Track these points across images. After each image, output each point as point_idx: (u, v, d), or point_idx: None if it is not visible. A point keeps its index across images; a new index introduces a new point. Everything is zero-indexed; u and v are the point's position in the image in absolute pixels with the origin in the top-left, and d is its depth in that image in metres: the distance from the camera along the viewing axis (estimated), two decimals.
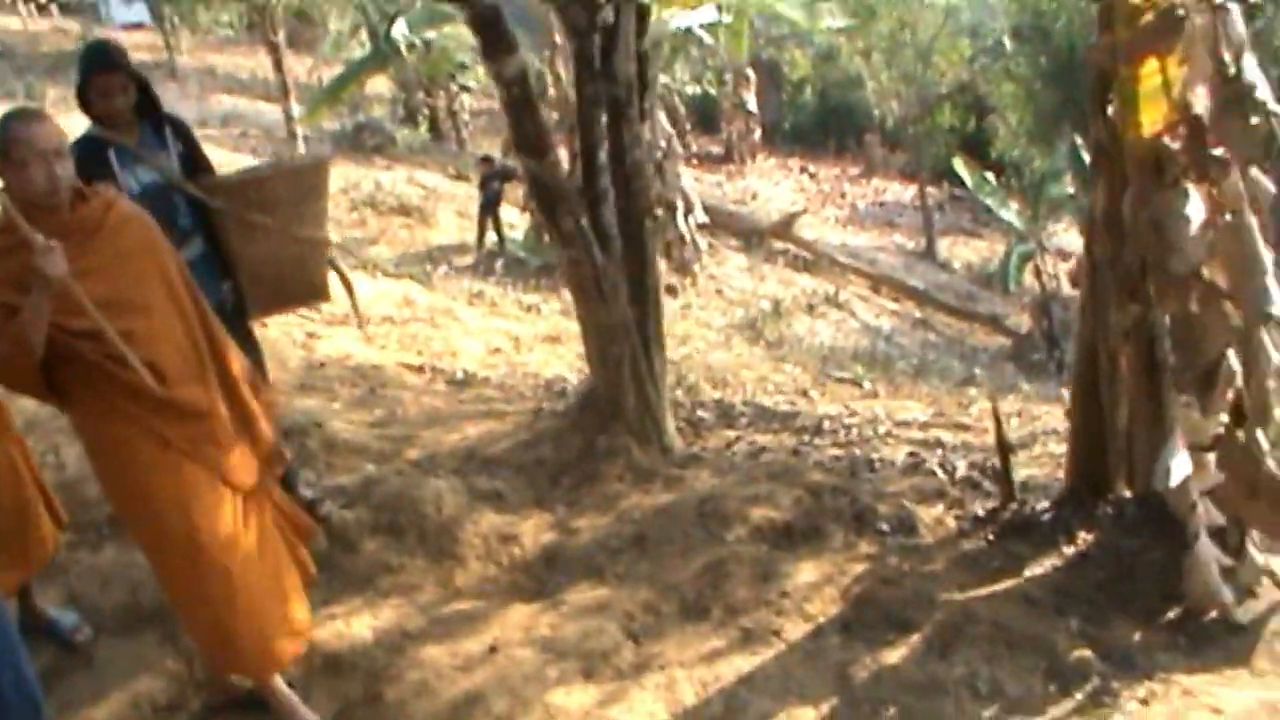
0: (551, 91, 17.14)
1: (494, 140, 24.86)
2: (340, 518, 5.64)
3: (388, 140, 23.36)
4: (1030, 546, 5.62)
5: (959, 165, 24.36)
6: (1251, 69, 4.67)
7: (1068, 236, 22.20)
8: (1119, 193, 5.17)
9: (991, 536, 5.77)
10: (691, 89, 33.82)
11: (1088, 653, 4.77)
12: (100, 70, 4.72)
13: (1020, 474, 6.74)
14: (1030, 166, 23.83)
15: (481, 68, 25.90)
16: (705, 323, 16.58)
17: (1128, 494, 5.77)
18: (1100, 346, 5.67)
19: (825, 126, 35.17)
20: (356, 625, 4.91)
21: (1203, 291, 4.87)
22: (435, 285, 13.93)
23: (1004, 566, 5.46)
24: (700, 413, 8.08)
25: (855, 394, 11.28)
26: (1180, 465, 4.84)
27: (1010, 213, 22.47)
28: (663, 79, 31.40)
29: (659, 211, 18.53)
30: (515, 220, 19.43)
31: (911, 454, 7.43)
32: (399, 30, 14.35)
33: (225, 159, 19.72)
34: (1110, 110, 5.05)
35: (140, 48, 31.11)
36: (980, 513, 6.06)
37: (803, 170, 33.00)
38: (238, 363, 4.24)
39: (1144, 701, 4.39)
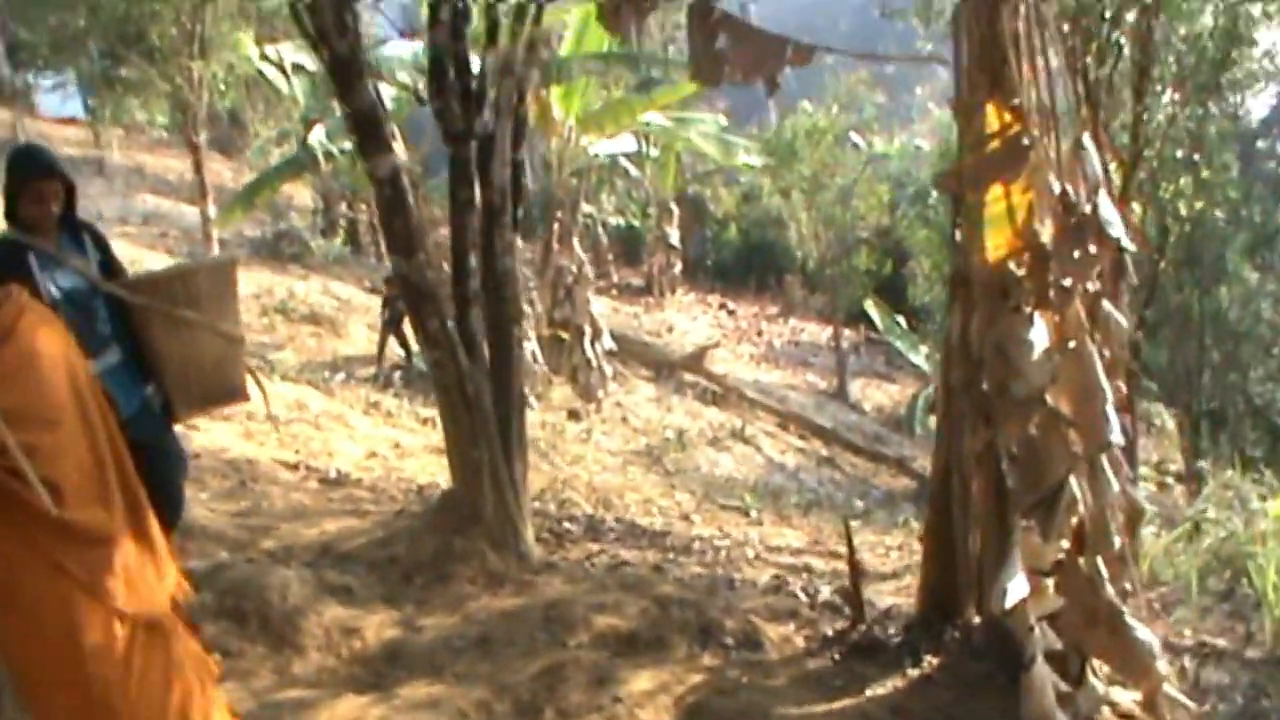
0: None
1: None
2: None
3: (306, 249, 23.30)
4: (876, 668, 5.62)
5: (871, 308, 24.74)
6: (1105, 204, 4.80)
7: None
8: (971, 318, 5.26)
9: (838, 656, 5.77)
10: (616, 220, 34.25)
11: None
12: (38, 176, 4.63)
13: (886, 601, 6.76)
14: (942, 312, 24.19)
15: None
16: (605, 448, 16.52)
17: (977, 619, 5.78)
18: (954, 471, 5.72)
19: (747, 264, 35.54)
20: None
21: (1044, 417, 4.93)
22: (334, 392, 13.82)
23: (846, 685, 5.45)
24: (568, 525, 8.04)
25: (740, 521, 11.27)
26: (1017, 588, 4.84)
27: (920, 357, 22.74)
28: (586, 208, 31.78)
29: (564, 335, 18.74)
30: None
31: (776, 577, 7.43)
32: (316, 137, 14.40)
33: (138, 256, 19.68)
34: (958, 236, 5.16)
35: (70, 142, 31.07)
36: (830, 633, 6.04)
37: (721, 306, 33.26)
38: (139, 486, 3.97)
39: None
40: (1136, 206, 12.26)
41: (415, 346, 18.81)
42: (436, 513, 7.04)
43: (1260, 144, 25.85)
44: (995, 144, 4.74)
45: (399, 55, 16.02)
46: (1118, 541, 4.98)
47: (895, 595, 7.36)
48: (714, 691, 5.26)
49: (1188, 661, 5.90)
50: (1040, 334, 4.90)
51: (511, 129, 6.65)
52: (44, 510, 3.46)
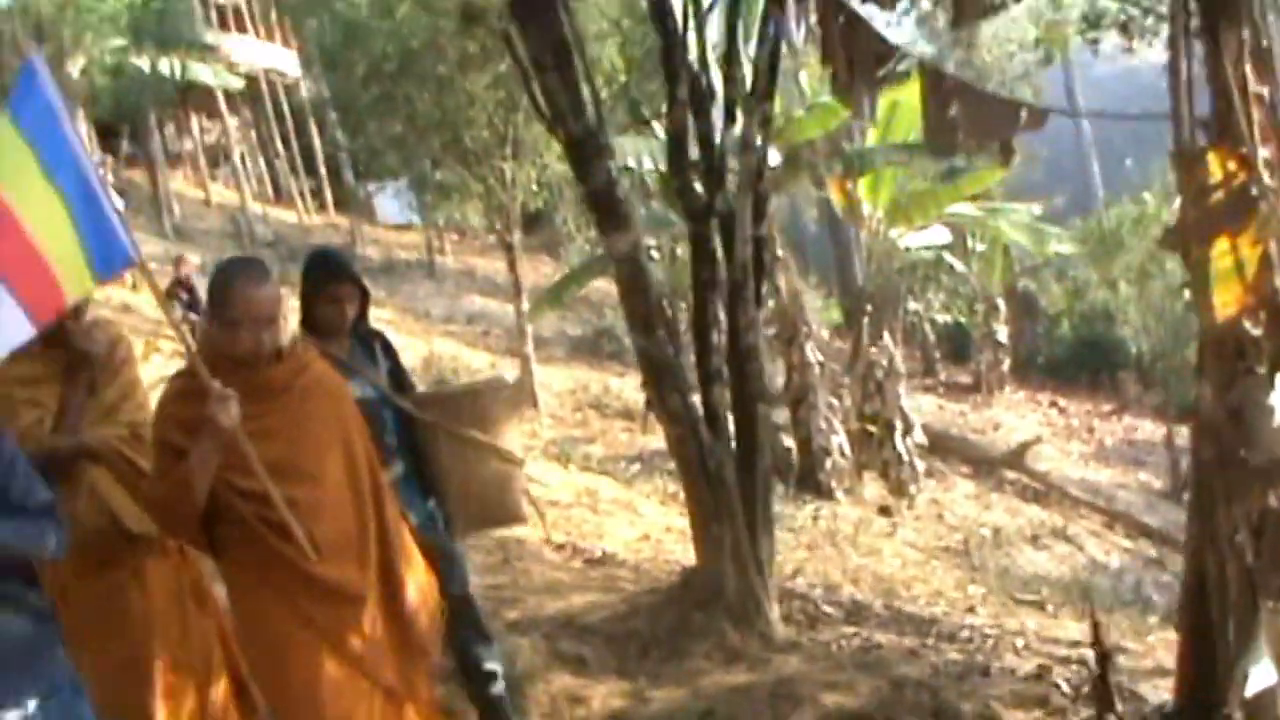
0: None
1: None
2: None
3: (624, 347, 23.91)
4: None
5: None
6: None
7: None
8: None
9: None
10: (943, 317, 33.75)
11: None
12: (333, 279, 4.67)
13: (1161, 696, 6.34)
14: None
15: None
16: (909, 543, 16.15)
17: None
18: (1208, 552, 5.35)
19: (1080, 360, 34.30)
20: None
21: None
22: (631, 483, 14.04)
23: None
24: (827, 608, 7.87)
25: (1032, 615, 10.77)
26: (1262, 676, 4.50)
27: None
28: (912, 305, 31.55)
29: (872, 429, 18.47)
30: None
31: (1041, 667, 7.05)
32: None
33: (460, 353, 20.64)
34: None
35: (405, 246, 33.01)
36: None
37: (1052, 404, 32.16)
38: (405, 554, 4.04)
39: None
40: None
41: None
42: (680, 588, 7.06)
43: None
44: (1219, 195, 4.48)
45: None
46: None
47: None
48: None
49: None
50: None
51: (752, 205, 6.68)
52: (300, 563, 3.61)
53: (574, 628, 6.80)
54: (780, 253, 17.05)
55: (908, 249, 20.25)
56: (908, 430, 19.10)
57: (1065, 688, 6.53)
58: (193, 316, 14.82)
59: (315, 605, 3.70)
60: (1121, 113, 9.51)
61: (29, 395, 3.99)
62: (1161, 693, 6.49)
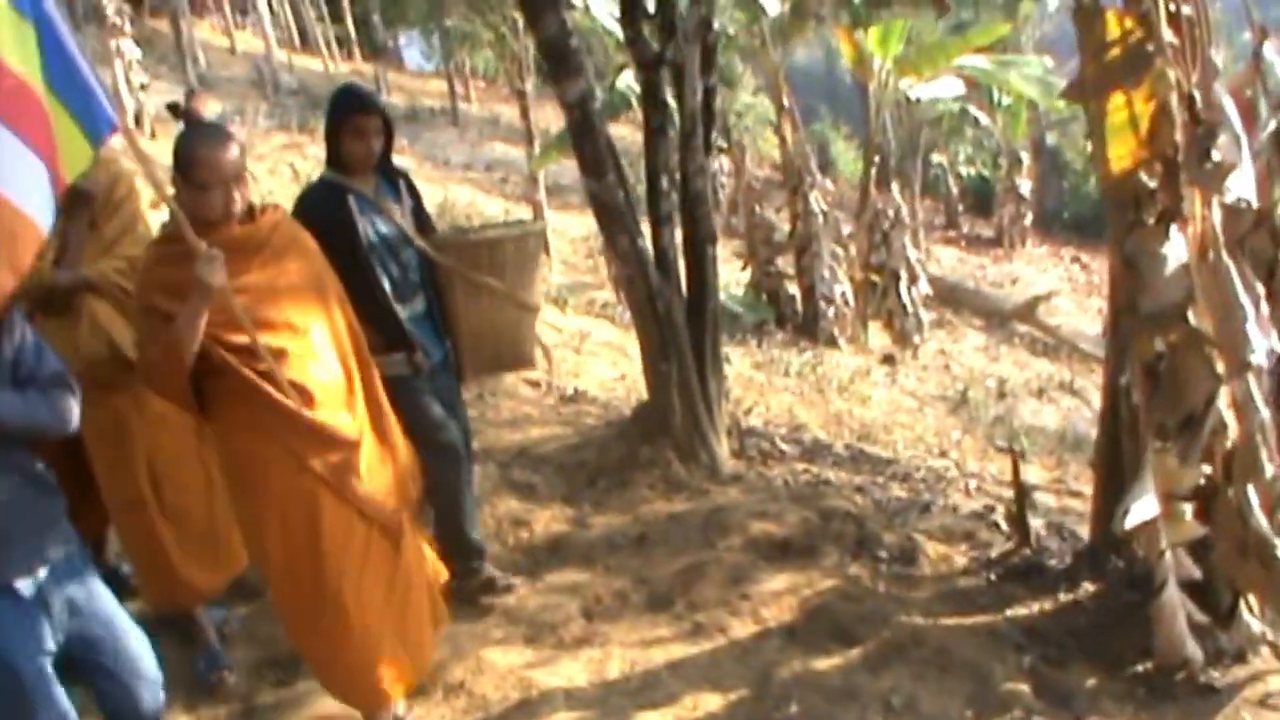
0: None
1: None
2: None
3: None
4: (1028, 590, 5.56)
5: None
6: (1228, 106, 4.62)
7: None
8: None
9: (993, 577, 5.74)
10: (968, 170, 33.56)
11: (1023, 687, 4.75)
12: (359, 111, 4.73)
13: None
14: None
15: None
16: (910, 391, 16.34)
17: None
18: (1120, 395, 5.57)
19: (1104, 217, 33.98)
20: None
21: (1183, 335, 4.78)
22: (628, 327, 14.21)
23: (987, 604, 5.43)
24: (783, 445, 8.13)
25: (1005, 461, 10.99)
26: (1143, 509, 4.73)
27: None
28: (936, 158, 31.34)
29: (877, 279, 18.57)
30: (739, 276, 19.58)
31: (988, 507, 7.32)
32: (625, 81, 14.83)
33: (476, 199, 20.75)
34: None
35: (431, 94, 32.90)
36: (993, 555, 6.01)
37: (1074, 260, 32.06)
38: (384, 396, 4.19)
39: None
40: None
41: (729, 285, 19.15)
42: (630, 422, 7.37)
43: None
44: (1116, 51, 4.63)
45: None
46: (1270, 469, 4.77)
47: None
48: (840, 595, 5.36)
49: None
50: (1177, 248, 4.75)
51: (701, 55, 6.83)
52: (292, 410, 3.74)
53: (527, 457, 7.12)
54: (786, 102, 17.09)
55: (918, 100, 20.15)
56: (913, 280, 19.18)
57: (1003, 526, 6.82)
58: None
59: (313, 451, 3.81)
60: None
61: None
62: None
